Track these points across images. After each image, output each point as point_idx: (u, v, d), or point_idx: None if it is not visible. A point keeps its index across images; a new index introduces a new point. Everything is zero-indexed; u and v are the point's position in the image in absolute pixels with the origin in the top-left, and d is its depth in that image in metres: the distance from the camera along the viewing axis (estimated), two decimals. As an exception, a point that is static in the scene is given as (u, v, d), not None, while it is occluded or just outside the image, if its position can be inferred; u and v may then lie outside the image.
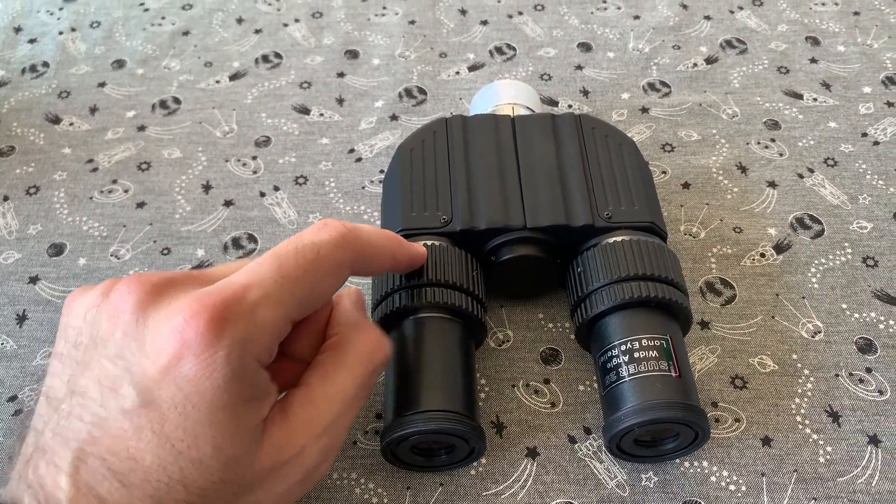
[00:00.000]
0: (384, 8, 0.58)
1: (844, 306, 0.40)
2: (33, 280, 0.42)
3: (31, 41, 0.56)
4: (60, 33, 0.57)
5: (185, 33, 0.57)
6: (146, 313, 0.25)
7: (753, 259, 0.42)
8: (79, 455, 0.24)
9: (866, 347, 0.38)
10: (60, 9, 0.59)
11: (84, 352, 0.26)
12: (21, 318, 0.40)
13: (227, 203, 0.45)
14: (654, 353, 0.32)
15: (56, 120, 0.51)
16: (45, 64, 0.55)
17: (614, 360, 0.33)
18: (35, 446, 0.25)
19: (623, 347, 0.33)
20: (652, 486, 0.34)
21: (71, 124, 0.50)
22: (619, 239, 0.35)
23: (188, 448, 0.24)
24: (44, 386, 0.27)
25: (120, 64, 0.55)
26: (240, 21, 0.58)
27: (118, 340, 0.25)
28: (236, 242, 0.43)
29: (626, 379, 0.32)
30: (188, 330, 0.24)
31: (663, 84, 0.52)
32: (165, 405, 0.24)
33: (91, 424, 0.24)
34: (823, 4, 0.58)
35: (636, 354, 0.32)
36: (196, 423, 0.24)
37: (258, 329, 0.26)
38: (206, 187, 0.46)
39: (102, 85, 0.53)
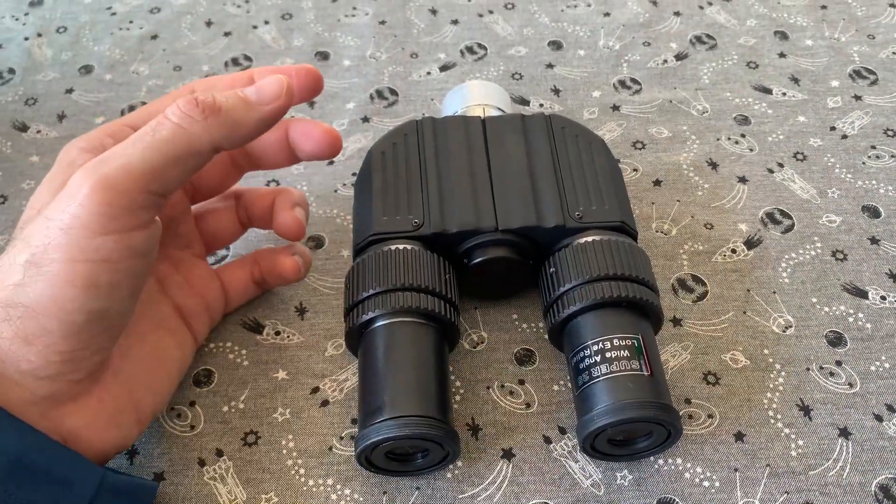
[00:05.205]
0: (354, 8, 0.58)
1: (815, 300, 0.40)
2: None
3: (-3, 47, 0.56)
4: (26, 39, 0.56)
5: (154, 37, 0.56)
6: None
7: (724, 255, 0.42)
8: None
9: (836, 341, 0.39)
10: (26, 14, 0.58)
11: None
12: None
13: (199, 209, 0.45)
14: (625, 353, 0.32)
15: (23, 128, 0.50)
16: (11, 70, 0.54)
17: (587, 360, 0.33)
18: None
19: (595, 347, 0.33)
20: (627, 484, 0.34)
21: (38, 132, 0.50)
22: (590, 239, 0.36)
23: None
24: None
25: (87, 69, 0.54)
26: (209, 24, 0.57)
27: None
28: (208, 249, 0.43)
29: (599, 379, 0.32)
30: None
31: (634, 81, 0.52)
32: None
33: None
34: (791, -1, 0.58)
35: (608, 354, 0.32)
36: None
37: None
38: (177, 193, 0.46)
39: (70, 91, 0.52)
